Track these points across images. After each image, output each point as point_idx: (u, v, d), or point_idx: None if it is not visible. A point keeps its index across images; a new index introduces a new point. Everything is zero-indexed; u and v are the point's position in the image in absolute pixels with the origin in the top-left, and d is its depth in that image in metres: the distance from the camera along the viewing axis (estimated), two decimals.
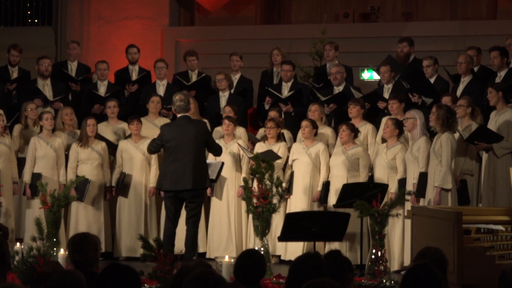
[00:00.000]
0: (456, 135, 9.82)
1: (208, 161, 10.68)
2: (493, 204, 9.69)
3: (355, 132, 10.59)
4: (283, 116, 11.46)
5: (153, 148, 10.20)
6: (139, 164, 11.08)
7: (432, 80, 11.26)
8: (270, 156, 10.18)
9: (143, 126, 11.17)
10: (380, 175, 10.29)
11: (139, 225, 11.00)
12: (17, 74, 12.14)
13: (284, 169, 10.93)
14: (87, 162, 10.91)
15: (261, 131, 11.51)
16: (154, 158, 11.06)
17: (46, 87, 11.86)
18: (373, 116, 11.40)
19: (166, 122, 11.03)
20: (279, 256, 10.78)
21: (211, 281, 4.59)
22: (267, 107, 11.79)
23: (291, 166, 10.84)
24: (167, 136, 10.00)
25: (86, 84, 12.33)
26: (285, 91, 11.82)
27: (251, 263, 5.28)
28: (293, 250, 10.44)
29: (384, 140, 10.57)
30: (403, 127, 10.19)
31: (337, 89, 11.66)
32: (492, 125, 10.02)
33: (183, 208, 10.06)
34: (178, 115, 10.12)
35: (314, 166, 10.71)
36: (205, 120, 11.11)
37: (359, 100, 11.12)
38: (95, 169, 10.94)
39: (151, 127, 11.30)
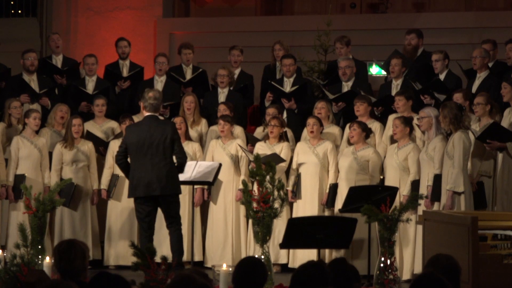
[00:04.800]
0: (471, 135, 9.79)
1: (205, 162, 10.67)
2: (507, 208, 9.67)
3: (367, 132, 10.53)
4: (285, 115, 11.45)
5: (119, 157, 9.69)
6: None
7: (442, 76, 11.22)
8: (275, 160, 10.09)
9: None
10: (392, 177, 10.26)
11: (132, 231, 10.96)
12: None
13: (287, 171, 10.90)
14: (72, 164, 10.85)
15: (259, 130, 11.47)
16: None
17: (32, 83, 11.80)
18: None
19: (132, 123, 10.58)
20: (282, 265, 10.76)
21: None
22: (267, 104, 11.74)
23: (297, 168, 10.78)
24: (131, 139, 9.61)
25: (73, 77, 12.30)
26: (288, 87, 11.79)
27: (250, 272, 5.28)
28: (301, 257, 10.38)
29: (392, 140, 10.55)
30: (419, 127, 10.14)
31: (346, 85, 11.64)
32: (506, 122, 10.01)
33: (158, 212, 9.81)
34: (146, 114, 9.72)
35: (322, 166, 10.66)
36: (177, 120, 10.82)
37: (366, 96, 11.09)
38: (81, 171, 10.88)
39: None
